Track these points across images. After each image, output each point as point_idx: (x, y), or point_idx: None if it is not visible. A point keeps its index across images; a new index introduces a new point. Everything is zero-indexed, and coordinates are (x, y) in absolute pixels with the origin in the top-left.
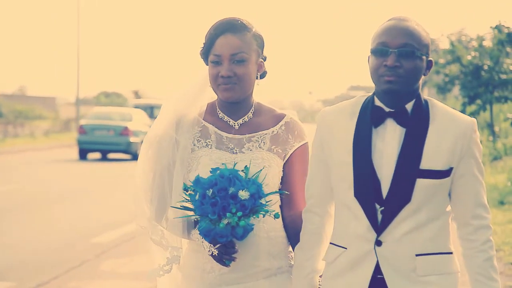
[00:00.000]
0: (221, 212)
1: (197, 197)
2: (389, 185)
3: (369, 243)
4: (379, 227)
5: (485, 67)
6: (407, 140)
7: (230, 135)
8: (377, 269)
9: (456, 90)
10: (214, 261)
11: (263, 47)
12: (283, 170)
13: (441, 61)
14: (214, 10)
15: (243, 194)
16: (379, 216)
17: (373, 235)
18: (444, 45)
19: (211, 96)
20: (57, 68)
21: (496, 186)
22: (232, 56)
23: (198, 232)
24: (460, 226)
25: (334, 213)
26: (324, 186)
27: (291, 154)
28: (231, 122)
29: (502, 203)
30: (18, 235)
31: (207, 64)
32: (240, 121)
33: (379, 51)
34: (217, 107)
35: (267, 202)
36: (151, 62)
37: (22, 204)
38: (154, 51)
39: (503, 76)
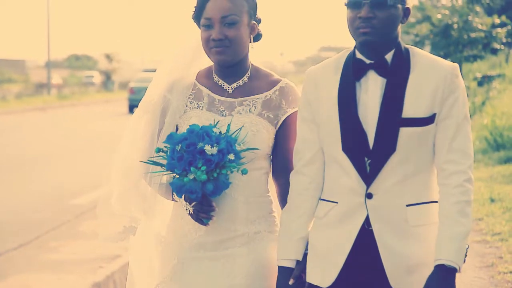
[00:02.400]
0: (187, 167)
1: (168, 152)
2: (374, 137)
3: (359, 196)
4: (369, 179)
5: (455, 26)
6: (388, 90)
7: (222, 98)
8: (367, 222)
9: (426, 50)
10: (190, 224)
11: (256, 9)
12: (276, 137)
13: (411, 19)
14: None
15: (209, 149)
16: (368, 168)
17: (363, 187)
18: (413, 2)
19: (206, 61)
20: (25, 31)
21: None
22: (222, 18)
23: (172, 189)
24: (437, 172)
25: (326, 169)
26: (313, 147)
27: (284, 120)
28: (225, 85)
29: None
30: None
31: (200, 28)
32: (234, 85)
33: (353, 3)
34: (212, 71)
35: (240, 158)
36: (122, 25)
37: (0, 166)
38: (125, 13)
39: (473, 35)
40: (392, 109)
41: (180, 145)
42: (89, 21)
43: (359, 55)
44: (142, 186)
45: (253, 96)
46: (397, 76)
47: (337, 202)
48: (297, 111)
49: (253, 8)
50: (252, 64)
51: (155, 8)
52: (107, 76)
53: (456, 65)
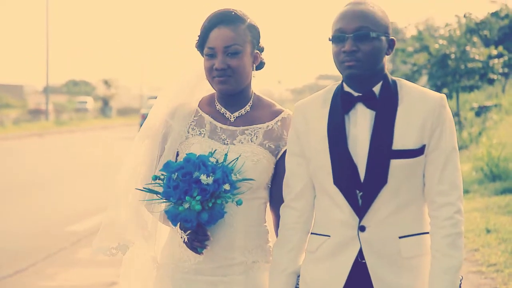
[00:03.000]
0: (182, 196)
1: (164, 181)
2: (365, 169)
3: (352, 229)
4: (361, 212)
5: (452, 56)
6: (377, 122)
7: (224, 126)
8: (360, 255)
9: (423, 80)
10: (189, 251)
11: (259, 38)
12: (275, 167)
13: (409, 49)
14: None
15: (205, 179)
16: (360, 201)
17: (355, 220)
18: (411, 33)
19: (209, 87)
20: (24, 56)
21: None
22: (225, 48)
23: (167, 217)
24: (428, 203)
25: (317, 203)
26: (302, 181)
27: (284, 151)
28: (228, 114)
29: (466, 191)
30: None
31: (203, 56)
32: (237, 113)
33: (337, 38)
34: (215, 99)
35: (235, 189)
36: (120, 51)
37: None
38: (123, 40)
39: (470, 65)
40: (382, 142)
41: (176, 174)
42: (88, 47)
43: (347, 88)
44: (143, 212)
45: (255, 126)
46: (386, 108)
47: (329, 236)
48: None
49: (256, 37)
50: (254, 93)
51: (153, 35)
52: (105, 102)
53: (444, 96)
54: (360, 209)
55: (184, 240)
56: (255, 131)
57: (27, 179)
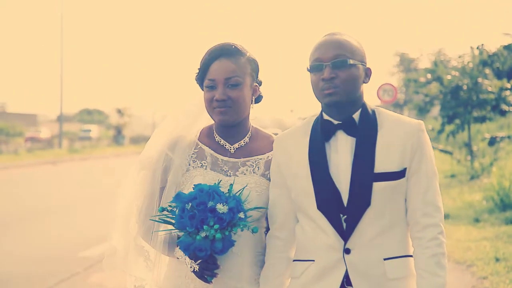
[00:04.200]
0: (199, 225)
1: (177, 211)
2: (348, 193)
3: (337, 252)
4: (346, 235)
5: (464, 87)
6: (359, 148)
7: (225, 158)
8: (346, 279)
9: (435, 110)
10: (196, 282)
11: (258, 72)
12: None
13: (422, 79)
14: (197, 30)
15: (221, 208)
16: (344, 224)
17: (340, 243)
18: (424, 64)
19: (207, 119)
20: (37, 85)
21: (472, 204)
22: (226, 80)
23: (179, 247)
24: (411, 225)
25: (300, 229)
26: (284, 211)
27: None
28: (227, 145)
29: (477, 220)
30: (7, 248)
31: (202, 89)
32: (236, 145)
33: (315, 67)
34: (214, 131)
35: (247, 217)
36: (134, 80)
37: (10, 218)
38: (137, 69)
39: (482, 96)
40: (364, 165)
41: (190, 204)
42: (101, 77)
43: (326, 117)
44: (143, 243)
45: (255, 157)
46: (366, 134)
47: (313, 260)
48: None
49: (255, 70)
50: (252, 125)
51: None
52: (118, 131)
53: (422, 122)
54: (345, 232)
55: (194, 269)
56: (256, 162)
57: (40, 206)
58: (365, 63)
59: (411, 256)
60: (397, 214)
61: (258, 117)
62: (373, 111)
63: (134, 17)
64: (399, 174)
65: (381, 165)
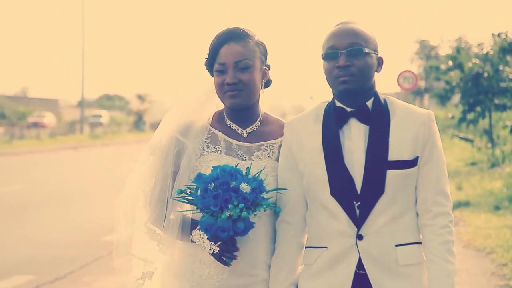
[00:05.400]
0: (223, 204)
1: (198, 192)
2: (362, 180)
3: (350, 238)
4: (359, 222)
5: (485, 75)
6: (372, 136)
7: (239, 143)
8: (359, 265)
9: (456, 98)
10: (211, 267)
11: (266, 55)
12: None
13: (443, 66)
14: (218, 15)
15: (245, 187)
16: (357, 211)
17: (353, 230)
18: (444, 51)
19: (217, 104)
20: (58, 70)
21: (493, 192)
22: (236, 63)
23: (199, 229)
24: (421, 213)
25: (310, 216)
26: (296, 194)
27: None
28: (240, 130)
29: (497, 208)
30: (34, 232)
31: (212, 75)
32: (248, 129)
33: (330, 55)
34: (225, 116)
35: (268, 198)
36: (154, 65)
37: (36, 203)
38: (157, 54)
39: (503, 84)
40: (378, 153)
41: (213, 184)
42: (121, 62)
43: (339, 104)
44: (154, 228)
45: (269, 141)
46: (379, 122)
47: (326, 247)
48: None
49: (264, 54)
50: (262, 110)
51: (187, 49)
52: (139, 116)
53: (432, 112)
54: (358, 219)
55: (214, 251)
56: (270, 146)
57: (63, 191)
58: (378, 52)
59: (421, 243)
60: (407, 202)
61: (278, 104)
62: (385, 100)
63: (155, 2)
64: (412, 163)
65: (394, 153)
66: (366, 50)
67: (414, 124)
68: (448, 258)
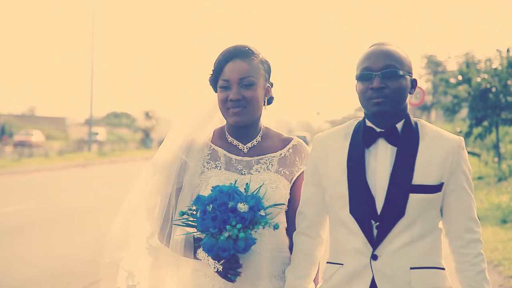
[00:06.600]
0: (222, 225)
1: (198, 214)
2: (383, 201)
3: (365, 258)
4: (375, 242)
5: (493, 90)
6: (399, 157)
7: (239, 157)
8: (373, 285)
9: (463, 112)
10: (216, 280)
11: (270, 73)
12: (290, 192)
13: (452, 80)
14: (225, 34)
15: (242, 207)
16: (375, 232)
17: (369, 249)
18: (451, 67)
19: (219, 120)
20: (65, 89)
21: (500, 206)
22: (240, 80)
23: (202, 249)
24: (452, 240)
25: (330, 232)
26: (317, 209)
27: (298, 177)
28: (240, 145)
29: (504, 221)
30: (45, 248)
31: (215, 91)
32: (249, 144)
33: (364, 76)
34: (226, 132)
35: (267, 215)
36: (161, 83)
37: (44, 221)
38: (165, 72)
39: (510, 99)
40: (402, 176)
41: (211, 206)
42: (127, 81)
43: (369, 124)
44: (157, 244)
45: (268, 155)
46: (407, 145)
47: (342, 264)
48: None
49: (268, 71)
50: (263, 125)
51: (193, 67)
52: (146, 134)
53: (462, 138)
54: (375, 239)
55: (218, 270)
56: (270, 159)
57: (74, 208)
58: (412, 74)
59: (441, 268)
60: (428, 226)
61: (285, 119)
62: (416, 123)
63: (162, 21)
64: (436, 188)
65: (419, 177)
66: (401, 72)
67: (443, 149)
68: (486, 287)
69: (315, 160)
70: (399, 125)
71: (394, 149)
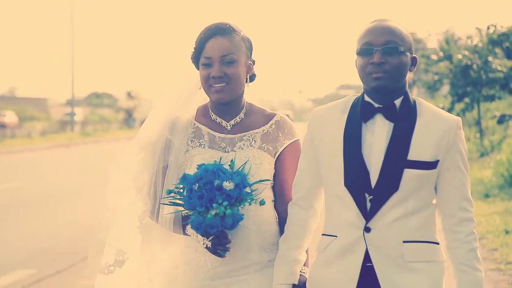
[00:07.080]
0: (208, 204)
1: (184, 192)
2: (378, 175)
3: (358, 230)
4: (368, 215)
5: (474, 67)
6: (395, 133)
7: (222, 135)
8: (366, 258)
9: (444, 89)
10: (206, 255)
11: (252, 50)
12: (274, 167)
13: (433, 57)
14: (206, 12)
15: (228, 185)
16: (368, 205)
17: (362, 222)
18: (431, 44)
19: (203, 98)
20: (46, 70)
21: (482, 181)
22: (222, 57)
23: (190, 226)
24: (445, 218)
25: (325, 205)
26: (312, 181)
27: (281, 151)
28: (224, 123)
29: (487, 196)
30: (33, 227)
31: (197, 68)
32: (232, 121)
33: (365, 51)
34: (209, 109)
35: (252, 191)
36: (143, 63)
37: (27, 201)
38: (146, 52)
39: (491, 75)
40: (398, 151)
41: (197, 184)
42: (109, 60)
43: (367, 99)
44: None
45: (251, 131)
46: (404, 121)
47: (336, 236)
48: (293, 142)
49: (249, 49)
50: (246, 101)
51: (175, 46)
52: (128, 114)
53: (460, 118)
54: (368, 212)
55: (207, 246)
56: (253, 136)
57: (59, 188)
58: (412, 52)
59: (434, 243)
60: (422, 201)
61: (267, 99)
62: (414, 101)
63: (144, 0)
64: (431, 165)
65: (415, 153)
66: (402, 48)
67: (439, 128)
68: (477, 266)
69: (312, 133)
70: (397, 102)
71: (391, 124)
